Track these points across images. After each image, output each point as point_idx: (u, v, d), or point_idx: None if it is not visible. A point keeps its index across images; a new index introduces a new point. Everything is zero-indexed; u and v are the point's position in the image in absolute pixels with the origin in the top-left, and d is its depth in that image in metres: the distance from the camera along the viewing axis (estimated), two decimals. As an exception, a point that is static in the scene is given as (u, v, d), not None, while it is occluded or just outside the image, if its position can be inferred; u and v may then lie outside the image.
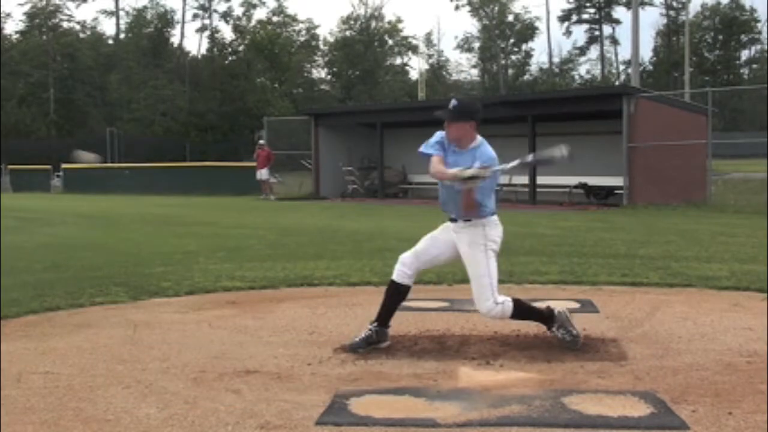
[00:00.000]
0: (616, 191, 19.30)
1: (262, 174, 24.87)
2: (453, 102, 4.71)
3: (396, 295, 4.86)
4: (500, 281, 7.13)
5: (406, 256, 4.86)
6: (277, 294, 6.96)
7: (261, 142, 25.95)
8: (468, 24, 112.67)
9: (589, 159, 20.36)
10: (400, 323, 5.23)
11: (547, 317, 4.85)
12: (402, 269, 4.82)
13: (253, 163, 25.87)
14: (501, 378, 4.17)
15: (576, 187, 20.45)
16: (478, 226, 4.64)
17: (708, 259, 8.78)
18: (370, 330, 4.83)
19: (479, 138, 4.70)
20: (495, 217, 4.70)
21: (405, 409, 3.68)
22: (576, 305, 6.08)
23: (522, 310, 4.81)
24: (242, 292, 7.04)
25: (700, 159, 19.51)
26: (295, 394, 3.94)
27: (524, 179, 20.68)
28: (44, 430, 3.46)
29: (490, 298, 4.66)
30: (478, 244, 4.64)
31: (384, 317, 4.88)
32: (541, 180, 20.57)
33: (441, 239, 4.83)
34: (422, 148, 4.72)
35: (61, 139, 52.35)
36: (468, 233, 4.67)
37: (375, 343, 4.81)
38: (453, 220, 4.74)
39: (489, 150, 4.63)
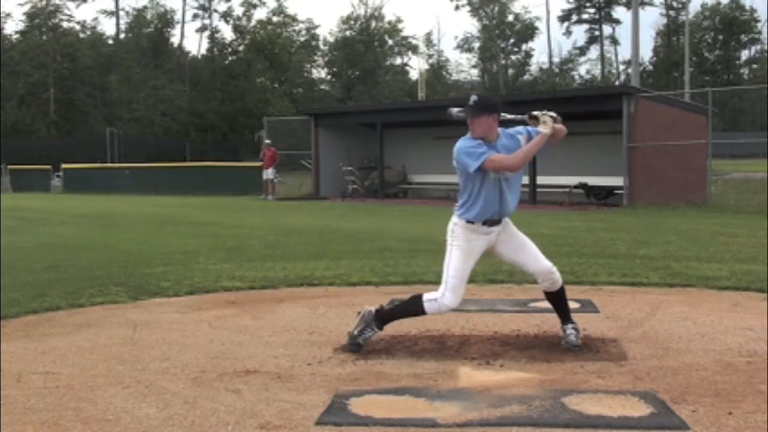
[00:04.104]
0: (616, 191, 19.29)
1: (268, 174, 24.87)
2: (473, 98, 4.61)
3: (413, 314, 4.84)
4: (501, 282, 7.21)
5: (454, 303, 4.65)
6: (277, 294, 6.96)
7: (267, 141, 25.93)
8: (468, 24, 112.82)
9: (589, 159, 20.38)
10: (401, 323, 5.22)
11: (569, 315, 4.90)
12: (442, 311, 4.72)
13: (254, 163, 25.88)
14: (501, 378, 4.17)
15: (576, 187, 20.45)
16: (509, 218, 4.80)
17: (708, 259, 8.78)
18: (372, 329, 4.81)
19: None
20: None
21: (405, 409, 3.68)
22: (576, 305, 6.07)
23: (563, 296, 4.88)
24: (242, 292, 7.04)
25: (700, 159, 19.51)
26: (295, 394, 3.94)
27: (524, 179, 20.68)
28: (44, 430, 3.46)
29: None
30: (512, 225, 4.81)
31: (386, 321, 4.85)
32: (541, 180, 20.56)
33: (475, 258, 4.73)
34: (472, 165, 4.46)
35: (61, 139, 52.40)
36: (506, 224, 4.76)
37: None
38: (495, 223, 4.65)
39: (513, 128, 4.72)
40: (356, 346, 4.75)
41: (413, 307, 4.77)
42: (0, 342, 5.08)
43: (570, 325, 4.83)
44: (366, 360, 4.57)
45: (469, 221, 4.62)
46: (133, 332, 5.41)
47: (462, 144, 4.59)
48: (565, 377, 4.19)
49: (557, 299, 4.88)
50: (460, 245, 4.64)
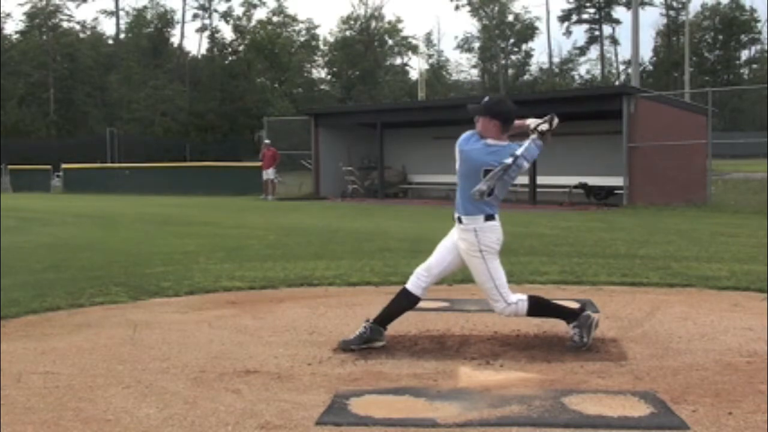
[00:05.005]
0: (616, 191, 19.30)
1: (269, 174, 24.87)
2: (485, 98, 4.73)
3: (405, 303, 4.86)
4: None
5: (420, 269, 4.83)
6: (277, 294, 6.96)
7: (267, 141, 25.93)
8: (468, 24, 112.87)
9: (589, 159, 20.39)
10: (401, 323, 5.22)
11: (569, 314, 4.84)
12: (417, 281, 4.80)
13: (254, 163, 25.88)
14: (501, 378, 4.17)
15: (576, 187, 20.45)
16: (471, 232, 4.61)
17: (708, 259, 8.78)
18: (365, 328, 4.81)
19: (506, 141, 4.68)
20: (492, 223, 4.62)
21: (405, 409, 3.68)
22: (576, 305, 6.07)
23: (542, 308, 4.81)
24: (242, 292, 7.04)
25: (700, 159, 19.54)
26: (295, 394, 3.94)
27: (524, 179, 20.69)
28: (44, 430, 3.46)
29: (500, 300, 4.68)
30: (474, 251, 4.63)
31: (385, 320, 4.86)
32: (541, 180, 20.57)
33: (449, 246, 4.79)
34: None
35: (61, 139, 52.40)
36: (464, 240, 4.66)
37: (369, 341, 4.77)
38: (459, 220, 4.68)
39: (502, 148, 4.63)
40: (355, 341, 4.77)
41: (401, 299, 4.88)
42: (0, 342, 5.08)
43: (573, 323, 4.80)
44: (366, 360, 4.57)
45: None
46: (133, 332, 5.40)
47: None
48: (565, 377, 4.19)
49: (540, 312, 4.85)
50: None
